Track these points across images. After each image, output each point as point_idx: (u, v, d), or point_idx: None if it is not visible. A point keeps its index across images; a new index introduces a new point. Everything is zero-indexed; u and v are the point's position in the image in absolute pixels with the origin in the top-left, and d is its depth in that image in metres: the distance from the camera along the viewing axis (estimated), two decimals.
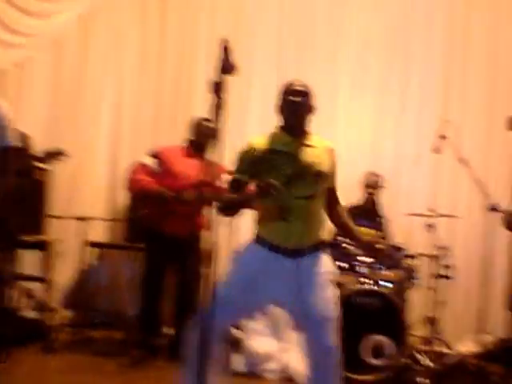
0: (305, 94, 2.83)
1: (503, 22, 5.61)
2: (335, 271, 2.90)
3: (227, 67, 2.17)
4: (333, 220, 2.97)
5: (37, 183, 4.69)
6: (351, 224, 2.99)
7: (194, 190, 4.27)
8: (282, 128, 2.84)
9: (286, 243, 2.70)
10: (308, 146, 2.81)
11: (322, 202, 2.84)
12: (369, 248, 2.94)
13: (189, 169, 4.40)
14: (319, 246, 2.81)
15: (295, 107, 2.78)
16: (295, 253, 2.71)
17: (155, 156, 4.58)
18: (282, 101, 2.81)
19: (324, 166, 2.82)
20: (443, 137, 4.65)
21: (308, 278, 2.72)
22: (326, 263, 2.83)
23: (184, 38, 5.88)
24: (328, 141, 2.98)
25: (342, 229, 3.03)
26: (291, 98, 2.77)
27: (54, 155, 4.36)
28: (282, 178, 2.66)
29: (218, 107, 2.13)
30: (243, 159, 2.80)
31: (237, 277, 2.80)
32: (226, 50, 2.17)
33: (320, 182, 2.79)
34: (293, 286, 2.69)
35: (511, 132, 4.99)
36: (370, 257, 2.92)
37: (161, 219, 4.40)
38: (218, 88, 2.14)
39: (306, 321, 2.75)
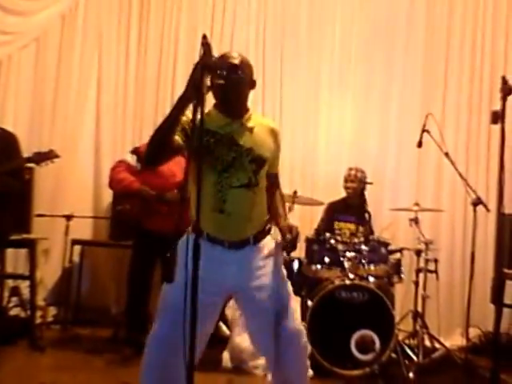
0: (242, 68, 2.43)
1: (485, 18, 5.65)
2: (284, 256, 2.68)
3: (207, 64, 2.11)
4: (271, 204, 2.70)
5: (23, 182, 4.65)
6: (280, 210, 2.70)
7: (177, 189, 4.24)
8: (218, 107, 2.49)
9: (223, 236, 2.46)
10: (247, 127, 2.51)
11: (263, 190, 2.59)
12: (283, 233, 2.58)
13: (171, 165, 4.38)
14: (264, 235, 2.59)
15: (232, 84, 2.36)
16: (236, 245, 2.49)
17: (135, 152, 4.56)
18: (216, 76, 2.32)
19: (265, 150, 2.52)
20: (426, 131, 4.67)
21: (256, 267, 2.52)
22: (273, 249, 2.61)
23: (164, 35, 5.88)
24: (271, 121, 2.73)
25: (270, 212, 2.69)
26: (226, 72, 2.33)
27: (45, 156, 4.34)
28: (218, 165, 2.40)
29: (199, 103, 2.07)
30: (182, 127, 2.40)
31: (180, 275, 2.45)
32: (205, 46, 2.11)
33: (261, 169, 2.51)
34: (241, 277, 2.49)
35: (494, 126, 5.04)
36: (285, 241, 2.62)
37: (144, 217, 4.38)
38: (199, 84, 2.08)
39: (261, 310, 2.54)
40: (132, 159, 4.75)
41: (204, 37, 2.09)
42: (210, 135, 2.41)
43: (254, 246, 2.53)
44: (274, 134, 2.59)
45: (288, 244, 2.48)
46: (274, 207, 2.69)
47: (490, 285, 4.65)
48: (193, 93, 2.12)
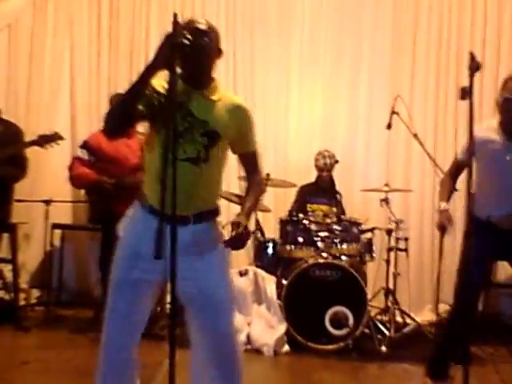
0: (208, 34, 2.25)
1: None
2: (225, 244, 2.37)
3: (176, 42, 2.07)
4: (245, 190, 2.53)
5: (24, 169, 4.75)
6: (247, 202, 2.44)
7: (134, 173, 4.30)
8: (180, 74, 2.24)
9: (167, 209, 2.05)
10: (208, 99, 2.31)
11: (218, 169, 2.37)
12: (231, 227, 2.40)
13: (124, 150, 4.42)
14: (207, 216, 2.36)
15: (196, 49, 2.16)
16: (181, 220, 2.13)
17: (85, 146, 4.63)
18: (179, 43, 2.10)
19: (223, 126, 2.30)
20: (395, 113, 4.78)
21: (192, 251, 2.26)
22: (215, 235, 2.40)
23: (135, 18, 5.92)
24: (240, 99, 2.51)
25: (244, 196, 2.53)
26: (191, 38, 2.11)
27: (50, 138, 4.42)
28: (167, 133, 2.09)
29: (171, 84, 2.04)
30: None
31: (124, 250, 2.35)
32: (175, 25, 2.07)
33: (213, 145, 2.28)
34: (184, 258, 2.08)
35: (461, 106, 5.17)
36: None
37: (110, 204, 4.43)
38: (170, 61, 2.05)
39: (195, 300, 2.32)
40: (83, 153, 4.75)
41: (175, 15, 1.98)
42: (164, 101, 2.21)
43: (194, 229, 2.29)
44: (239, 110, 2.38)
45: (229, 240, 2.31)
46: (245, 195, 2.51)
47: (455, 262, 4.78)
48: (160, 63, 2.07)
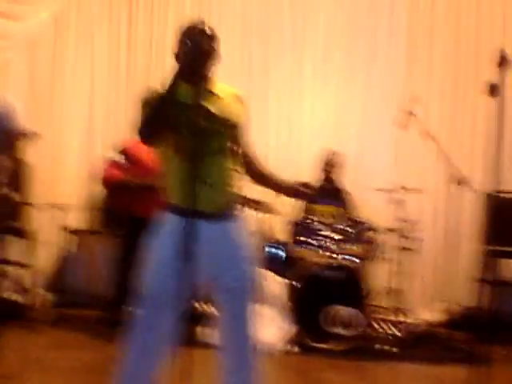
0: (209, 37, 2.34)
1: None
2: (252, 241, 2.55)
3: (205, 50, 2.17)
4: (252, 175, 2.64)
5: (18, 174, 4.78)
6: (269, 172, 2.65)
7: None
8: (180, 76, 2.29)
9: (204, 207, 2.29)
10: (214, 94, 2.43)
11: (231, 158, 2.47)
12: (293, 191, 2.62)
13: (150, 153, 4.49)
14: (234, 210, 2.48)
15: (201, 48, 2.26)
16: (216, 216, 2.37)
17: (123, 153, 4.75)
18: (183, 44, 2.30)
19: (234, 117, 2.45)
20: (410, 113, 4.73)
21: (228, 247, 2.40)
22: (244, 229, 2.52)
23: (153, 32, 6.05)
24: (234, 88, 2.59)
25: (263, 179, 2.66)
26: (194, 39, 2.25)
27: (27, 135, 4.49)
28: (191, 133, 2.30)
29: (199, 88, 2.14)
30: (150, 104, 2.39)
31: (157, 258, 2.42)
32: (203, 32, 2.17)
33: (231, 135, 2.44)
34: (213, 255, 2.36)
35: (475, 108, 5.16)
36: (296, 197, 2.64)
37: (131, 205, 4.52)
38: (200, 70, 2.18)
39: (222, 296, 2.44)
40: (120, 158, 4.88)
41: (203, 23, 2.18)
42: (179, 107, 2.31)
43: (229, 219, 2.43)
44: (239, 100, 2.52)
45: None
46: (261, 173, 2.64)
47: (468, 262, 4.76)
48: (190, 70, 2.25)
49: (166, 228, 2.39)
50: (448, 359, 4.23)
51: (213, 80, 2.44)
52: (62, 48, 5.96)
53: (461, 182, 4.50)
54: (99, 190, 5.42)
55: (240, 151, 2.54)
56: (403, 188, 4.85)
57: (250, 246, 2.52)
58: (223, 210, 2.40)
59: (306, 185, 2.60)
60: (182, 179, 2.29)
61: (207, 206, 2.31)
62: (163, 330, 2.37)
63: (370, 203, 5.55)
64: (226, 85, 2.52)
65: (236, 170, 2.49)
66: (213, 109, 2.37)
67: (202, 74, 2.36)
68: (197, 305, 4.61)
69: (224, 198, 2.37)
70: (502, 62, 2.41)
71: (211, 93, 2.41)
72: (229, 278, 2.41)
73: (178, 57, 2.36)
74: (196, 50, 2.24)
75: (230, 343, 2.47)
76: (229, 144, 2.41)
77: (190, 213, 2.20)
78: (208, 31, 2.33)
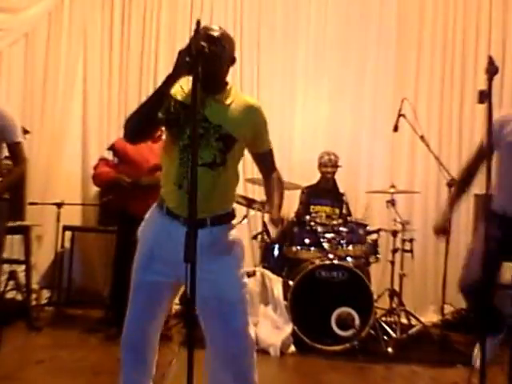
0: (222, 41, 2.28)
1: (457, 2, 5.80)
2: (241, 247, 2.44)
3: (199, 49, 2.09)
4: (266, 188, 2.61)
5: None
6: (277, 194, 2.56)
7: (151, 174, 4.36)
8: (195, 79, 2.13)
9: (180, 211, 2.26)
10: (223, 103, 2.32)
11: (234, 171, 2.41)
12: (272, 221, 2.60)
13: (145, 152, 4.48)
14: (224, 219, 2.38)
15: (210, 56, 2.13)
16: (199, 224, 2.15)
17: (112, 148, 4.75)
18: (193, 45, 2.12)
19: (237, 129, 2.33)
20: (402, 115, 4.80)
21: (209, 253, 2.25)
22: (232, 237, 2.40)
23: (145, 28, 5.99)
24: (252, 98, 2.52)
25: (266, 197, 2.63)
26: (205, 44, 2.10)
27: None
28: (185, 139, 2.25)
29: (195, 91, 2.04)
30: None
31: (139, 253, 2.43)
32: (197, 32, 2.09)
33: (230, 148, 2.31)
34: (200, 262, 2.09)
35: (467, 104, 5.22)
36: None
37: (125, 203, 4.53)
38: (195, 71, 2.06)
39: (209, 302, 2.30)
40: (109, 155, 4.90)
41: (198, 23, 2.02)
42: (182, 107, 2.28)
43: (211, 231, 2.32)
44: (252, 110, 2.38)
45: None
46: (268, 193, 2.59)
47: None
48: (183, 71, 2.11)
49: (154, 226, 2.40)
50: (444, 361, 4.26)
51: (226, 86, 2.37)
52: (55, 42, 5.90)
53: (451, 183, 4.52)
54: (94, 186, 5.43)
55: (258, 165, 2.54)
56: (396, 189, 4.89)
57: (240, 254, 2.42)
58: (212, 217, 2.31)
59: (280, 221, 2.59)
60: (174, 183, 2.29)
61: (182, 212, 2.23)
62: (142, 323, 2.39)
63: (362, 203, 5.60)
64: (242, 94, 2.44)
65: (226, 184, 2.39)
66: (210, 117, 2.28)
67: (213, 81, 2.27)
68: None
69: (200, 209, 2.07)
70: (490, 68, 2.43)
71: (217, 100, 2.32)
72: (216, 287, 2.31)
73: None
74: (207, 57, 2.08)
75: (222, 356, 2.37)
76: (219, 156, 2.29)
77: (171, 214, 2.28)
78: (219, 34, 2.27)
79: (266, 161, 2.55)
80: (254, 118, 2.39)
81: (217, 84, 2.33)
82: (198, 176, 2.00)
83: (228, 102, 2.33)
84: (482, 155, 3.38)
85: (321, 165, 5.24)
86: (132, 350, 2.43)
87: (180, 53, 2.12)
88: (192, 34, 2.02)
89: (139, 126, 2.26)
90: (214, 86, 2.30)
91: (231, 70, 2.42)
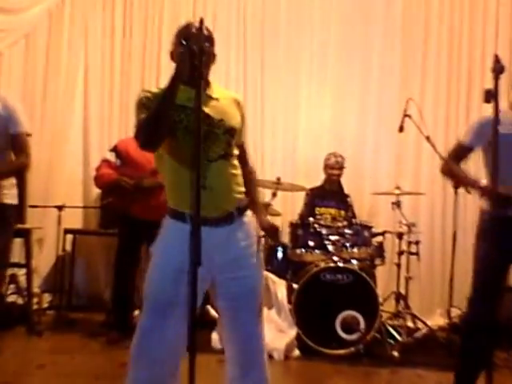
0: (208, 38, 2.32)
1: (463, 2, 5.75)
2: (260, 239, 2.49)
3: (201, 48, 2.06)
4: (245, 184, 2.52)
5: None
6: (256, 193, 2.60)
7: (153, 176, 4.33)
8: (178, 77, 2.18)
9: (207, 214, 2.14)
10: (214, 98, 2.37)
11: (232, 162, 2.41)
12: (263, 226, 2.59)
13: (147, 155, 4.46)
14: (244, 208, 2.42)
15: (200, 52, 2.07)
16: (222, 221, 2.31)
17: (114, 150, 4.72)
18: (180, 46, 2.24)
19: (235, 121, 2.40)
20: (408, 115, 4.74)
21: (240, 249, 2.35)
22: (253, 230, 2.45)
23: (147, 28, 5.98)
24: (232, 91, 2.62)
25: (246, 187, 2.51)
26: (190, 38, 2.16)
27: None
28: (194, 139, 2.11)
29: (199, 91, 1.99)
30: (146, 106, 2.29)
31: (162, 266, 2.34)
32: (201, 31, 2.07)
33: (233, 139, 2.39)
34: (224, 260, 2.32)
35: (473, 103, 5.16)
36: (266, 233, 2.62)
37: (127, 206, 4.51)
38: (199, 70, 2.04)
39: (234, 298, 2.36)
40: (111, 156, 4.85)
41: (201, 21, 2.03)
42: (180, 110, 2.27)
43: (240, 224, 2.37)
44: (238, 103, 2.47)
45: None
46: (249, 189, 2.53)
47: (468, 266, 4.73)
48: (186, 71, 2.09)
49: (170, 234, 2.36)
50: (451, 365, 4.19)
51: (210, 82, 2.41)
52: (56, 42, 5.89)
53: (457, 185, 4.46)
54: (95, 189, 5.42)
55: (237, 154, 2.49)
56: (401, 190, 4.83)
57: (257, 250, 2.44)
58: (227, 215, 2.33)
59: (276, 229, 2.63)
60: (181, 185, 2.26)
61: (209, 212, 2.21)
62: (171, 340, 2.28)
63: (368, 205, 5.55)
64: (223, 88, 2.50)
65: (238, 174, 2.42)
66: (211, 112, 2.32)
67: (200, 76, 2.14)
68: (211, 310, 4.55)
69: (227, 202, 2.32)
70: (496, 66, 2.40)
71: (209, 96, 2.35)
72: (234, 285, 2.34)
73: (172, 56, 2.37)
74: (192, 49, 2.06)
75: (238, 355, 2.41)
76: (228, 148, 2.35)
77: (193, 219, 2.02)
78: (204, 31, 2.21)
79: (244, 153, 2.55)
80: (241, 109, 2.49)
81: (206, 80, 2.37)
82: (219, 169, 2.25)
83: (216, 96, 2.39)
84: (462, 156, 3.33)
85: (327, 167, 5.20)
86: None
87: (182, 54, 2.12)
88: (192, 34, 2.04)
89: (159, 132, 2.22)
90: (204, 83, 2.33)
91: (236, 70, 2.45)
